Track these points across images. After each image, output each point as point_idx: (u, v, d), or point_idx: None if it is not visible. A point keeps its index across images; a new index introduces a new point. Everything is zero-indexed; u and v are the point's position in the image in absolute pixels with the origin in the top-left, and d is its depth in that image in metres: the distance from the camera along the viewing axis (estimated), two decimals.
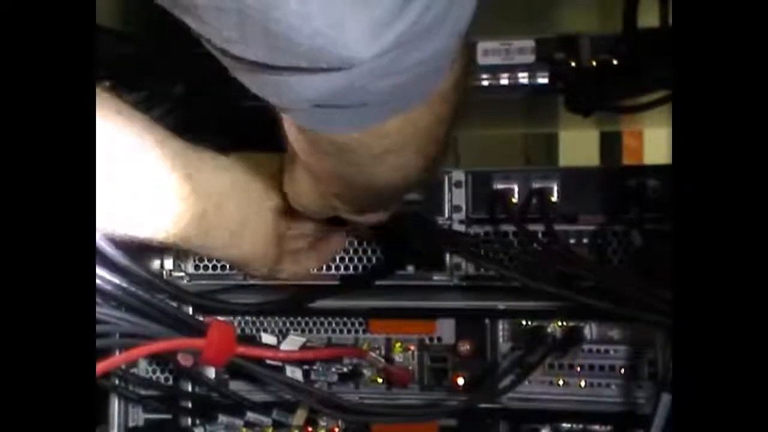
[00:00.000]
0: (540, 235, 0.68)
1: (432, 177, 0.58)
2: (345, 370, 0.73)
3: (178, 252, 0.73)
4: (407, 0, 0.33)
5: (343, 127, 0.41)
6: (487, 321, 0.71)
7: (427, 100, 0.42)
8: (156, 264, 0.74)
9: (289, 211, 0.62)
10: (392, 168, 0.47)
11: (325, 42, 0.33)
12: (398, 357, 0.72)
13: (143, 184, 0.53)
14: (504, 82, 0.71)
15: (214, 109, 0.75)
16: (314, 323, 0.73)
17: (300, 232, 0.67)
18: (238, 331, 0.73)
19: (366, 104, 0.39)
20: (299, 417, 0.72)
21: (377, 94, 0.38)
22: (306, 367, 0.72)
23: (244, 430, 0.74)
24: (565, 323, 0.69)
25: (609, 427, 0.69)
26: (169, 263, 0.74)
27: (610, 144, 1.36)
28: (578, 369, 0.70)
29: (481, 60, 0.71)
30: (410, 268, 0.72)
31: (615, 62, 0.68)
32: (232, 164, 0.59)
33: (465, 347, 0.70)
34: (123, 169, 0.52)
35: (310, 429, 0.73)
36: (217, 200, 0.57)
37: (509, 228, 0.70)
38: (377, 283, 0.71)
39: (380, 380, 0.73)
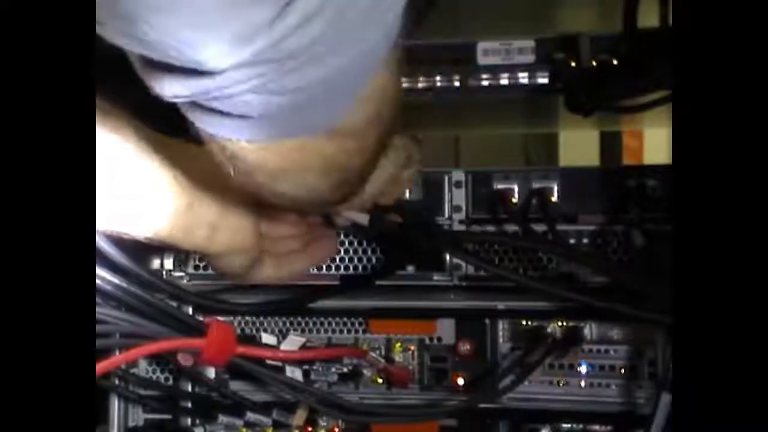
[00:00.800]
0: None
1: (355, 195, 0.56)
2: (345, 370, 0.73)
3: (178, 252, 0.73)
4: (278, 18, 0.31)
5: (230, 134, 0.40)
6: (487, 321, 0.71)
7: (331, 131, 0.41)
8: (156, 264, 0.74)
9: (273, 213, 0.62)
10: (294, 184, 0.45)
11: (178, 40, 0.32)
12: (398, 357, 0.72)
13: (126, 179, 0.52)
14: (504, 82, 0.71)
15: None
16: (314, 323, 0.73)
17: (289, 233, 0.66)
18: (238, 331, 0.73)
19: (249, 116, 0.38)
20: (299, 417, 0.72)
21: (258, 108, 0.37)
22: (306, 367, 0.72)
23: (244, 430, 0.74)
24: (565, 323, 0.69)
25: (609, 427, 0.69)
26: (169, 263, 0.74)
27: (610, 144, 1.36)
28: (578, 369, 0.70)
29: (481, 60, 0.71)
30: (410, 268, 0.72)
31: (615, 62, 0.68)
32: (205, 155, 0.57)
33: (465, 347, 0.70)
34: (103, 165, 0.49)
35: (310, 429, 0.73)
36: (197, 192, 0.55)
37: (510, 228, 0.70)
38: (377, 283, 0.71)
39: (380, 380, 0.73)
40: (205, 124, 0.39)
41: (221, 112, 0.37)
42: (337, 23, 0.33)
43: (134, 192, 0.52)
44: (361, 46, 0.36)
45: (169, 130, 0.54)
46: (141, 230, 0.53)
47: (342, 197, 0.53)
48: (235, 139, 0.40)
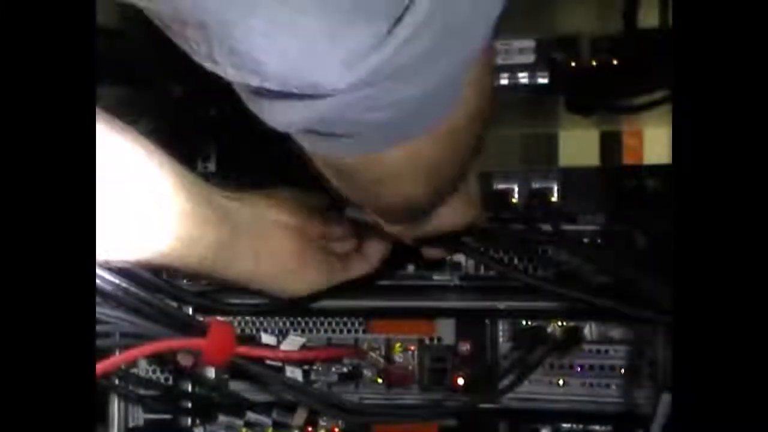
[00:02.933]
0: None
1: (442, 203, 0.56)
2: (345, 370, 0.73)
3: None
4: (389, 35, 0.32)
5: (340, 153, 0.41)
6: (487, 321, 0.71)
7: (430, 133, 0.41)
8: None
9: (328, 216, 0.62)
10: (393, 193, 0.47)
11: (293, 67, 0.32)
12: (398, 357, 0.72)
13: (168, 213, 0.51)
14: (504, 82, 0.71)
15: (214, 110, 0.75)
16: (314, 323, 0.73)
17: (343, 233, 0.66)
18: (238, 331, 0.73)
19: (359, 134, 0.38)
20: (299, 417, 0.72)
21: (367, 126, 0.37)
22: (306, 367, 0.72)
23: (244, 430, 0.74)
24: (565, 323, 0.69)
25: (609, 427, 0.69)
26: None
27: (610, 144, 1.36)
28: (578, 369, 0.70)
29: None
30: (410, 268, 0.72)
31: (615, 62, 0.68)
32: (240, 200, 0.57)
33: (465, 347, 0.70)
34: (144, 197, 0.49)
35: (310, 429, 0.73)
36: (234, 226, 0.55)
37: (513, 228, 0.70)
38: (377, 283, 0.71)
39: (380, 380, 0.73)
40: (315, 147, 0.40)
41: (329, 134, 0.38)
42: (442, 33, 0.33)
43: (178, 227, 0.51)
44: (464, 51, 0.36)
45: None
46: (186, 262, 0.53)
47: (432, 206, 0.53)
48: (342, 156, 0.41)
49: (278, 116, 0.36)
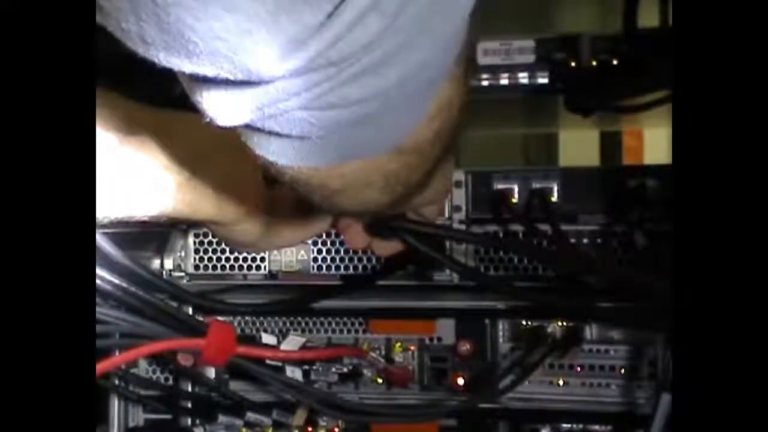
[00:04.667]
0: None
1: (407, 205, 0.54)
2: (345, 370, 0.73)
3: (178, 252, 0.73)
4: (331, 16, 0.29)
5: (291, 161, 0.37)
6: (487, 321, 0.71)
7: (394, 149, 0.38)
8: (156, 264, 0.74)
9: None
10: (352, 199, 0.43)
11: (226, 46, 0.29)
12: (398, 357, 0.72)
13: (122, 160, 0.49)
14: (504, 82, 0.71)
15: None
16: (314, 323, 0.73)
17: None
18: (238, 331, 0.73)
19: (308, 137, 0.34)
20: (299, 417, 0.72)
21: (317, 126, 0.34)
22: (306, 367, 0.72)
23: (244, 430, 0.74)
24: (565, 323, 0.69)
25: (609, 427, 0.69)
26: (169, 263, 0.74)
27: (610, 144, 1.36)
28: (578, 369, 0.70)
29: (481, 60, 0.71)
30: (410, 268, 0.72)
31: (615, 62, 0.68)
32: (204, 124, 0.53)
33: (465, 347, 0.70)
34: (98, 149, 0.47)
35: (310, 429, 0.73)
36: (199, 164, 0.52)
37: (513, 228, 0.70)
38: (377, 283, 0.71)
39: (380, 380, 0.73)
40: (263, 150, 0.36)
41: (279, 134, 0.34)
42: (396, 18, 0.30)
43: (133, 172, 0.50)
44: (426, 49, 0.32)
45: (158, 98, 0.53)
46: (147, 210, 0.51)
47: (398, 206, 0.50)
48: (294, 165, 0.37)
49: (217, 108, 0.32)
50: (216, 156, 0.53)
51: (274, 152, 0.36)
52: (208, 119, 0.33)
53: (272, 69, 0.30)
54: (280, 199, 0.59)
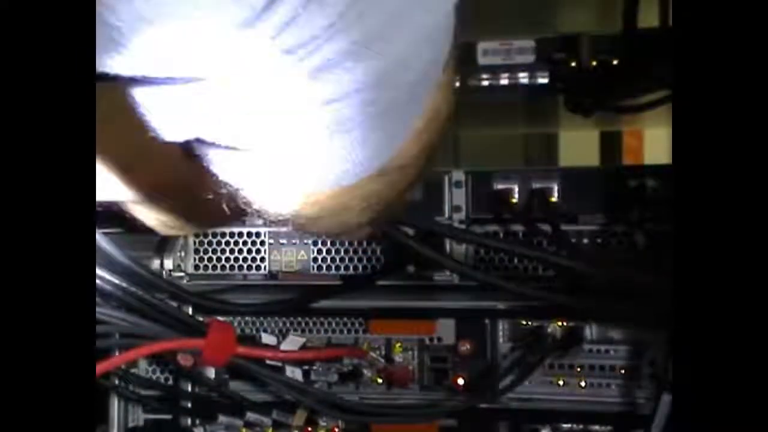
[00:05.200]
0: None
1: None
2: (345, 370, 0.73)
3: (178, 252, 0.73)
4: (264, 9, 0.25)
5: (258, 185, 0.33)
6: (487, 321, 0.71)
7: (377, 169, 0.34)
8: (156, 264, 0.74)
9: None
10: (329, 226, 0.38)
11: (174, 45, 0.27)
12: (398, 357, 0.72)
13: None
14: (504, 82, 0.71)
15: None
16: (314, 323, 0.73)
17: None
18: (238, 331, 0.73)
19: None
20: (299, 417, 0.72)
21: None
22: (306, 367, 0.72)
23: (244, 430, 0.74)
24: (565, 323, 0.69)
25: (609, 427, 0.69)
26: (169, 263, 0.74)
27: (610, 144, 1.36)
28: (578, 369, 0.70)
29: (481, 60, 0.71)
30: (410, 268, 0.72)
31: (615, 62, 0.68)
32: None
33: (465, 347, 0.70)
34: None
35: (310, 429, 0.73)
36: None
37: (513, 228, 0.70)
38: (377, 283, 0.71)
39: (380, 380, 0.73)
40: (224, 171, 0.32)
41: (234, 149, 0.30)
42: (352, 17, 0.26)
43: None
44: (404, 42, 0.28)
45: None
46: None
47: (380, 221, 0.44)
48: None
49: (163, 119, 0.29)
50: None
51: (235, 174, 0.32)
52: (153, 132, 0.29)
53: None
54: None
